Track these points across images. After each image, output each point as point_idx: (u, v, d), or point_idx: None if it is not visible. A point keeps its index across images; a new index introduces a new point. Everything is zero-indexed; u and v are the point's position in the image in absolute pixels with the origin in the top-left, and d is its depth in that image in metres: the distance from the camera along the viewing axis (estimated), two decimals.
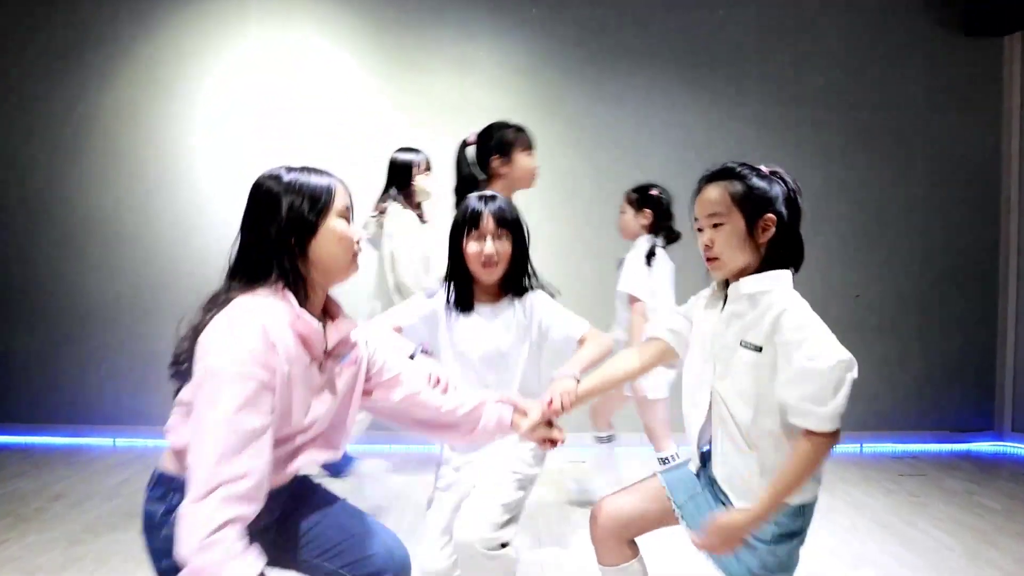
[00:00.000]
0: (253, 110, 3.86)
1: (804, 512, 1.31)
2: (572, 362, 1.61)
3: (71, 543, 2.35)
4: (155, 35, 3.85)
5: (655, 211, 2.66)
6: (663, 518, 1.44)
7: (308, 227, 1.16)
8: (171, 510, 1.09)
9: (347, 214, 1.22)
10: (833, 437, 1.20)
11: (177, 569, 0.95)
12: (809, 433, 1.21)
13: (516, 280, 1.72)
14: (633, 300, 2.57)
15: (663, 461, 2.57)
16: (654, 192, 2.67)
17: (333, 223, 1.18)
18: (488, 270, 1.66)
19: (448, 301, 1.73)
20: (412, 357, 1.58)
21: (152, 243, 3.85)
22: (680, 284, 2.64)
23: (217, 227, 3.77)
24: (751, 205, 1.30)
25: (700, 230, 1.36)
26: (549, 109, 3.88)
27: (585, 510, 2.36)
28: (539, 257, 1.82)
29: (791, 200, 1.33)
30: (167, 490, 1.14)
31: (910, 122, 4.00)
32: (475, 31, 3.89)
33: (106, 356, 3.85)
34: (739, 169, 1.33)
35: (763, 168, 1.34)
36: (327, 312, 1.26)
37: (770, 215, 1.30)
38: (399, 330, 1.71)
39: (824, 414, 1.18)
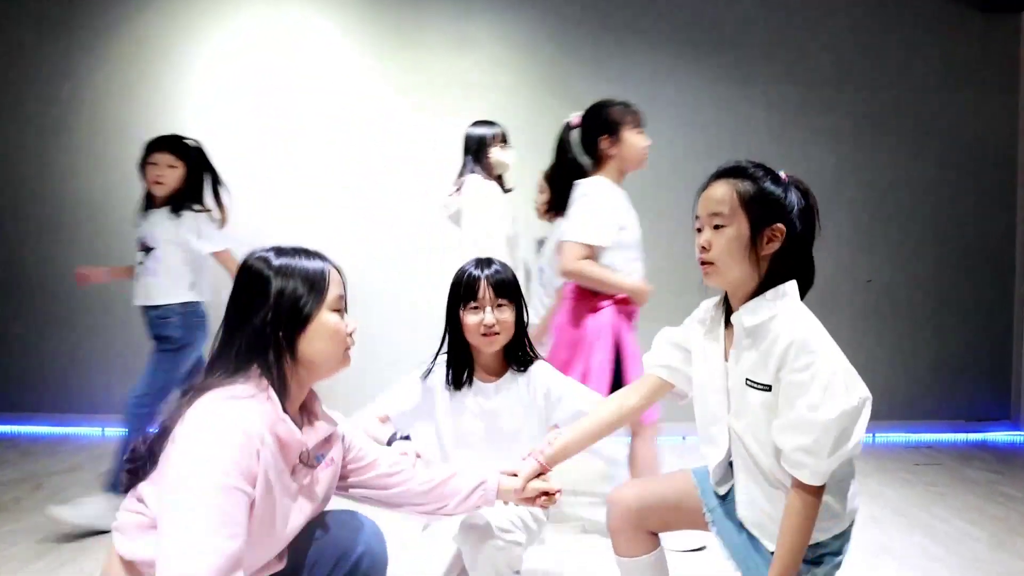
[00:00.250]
0: (247, 90, 3.76)
1: (840, 536, 1.21)
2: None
3: (46, 535, 2.23)
4: (145, 11, 3.74)
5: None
6: (690, 518, 1.32)
7: (298, 321, 1.05)
8: None
9: (340, 305, 1.12)
10: (821, 491, 1.11)
11: None
12: (799, 485, 1.10)
13: (518, 350, 1.60)
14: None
15: None
16: None
17: (325, 317, 1.08)
18: (489, 340, 1.53)
19: (447, 379, 1.59)
20: (389, 443, 1.46)
21: None
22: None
23: None
24: (760, 210, 1.14)
25: (699, 230, 1.20)
26: (551, 88, 3.73)
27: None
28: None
29: (806, 213, 1.18)
30: None
31: (924, 102, 3.88)
32: (474, 9, 3.78)
33: (95, 343, 3.74)
34: (752, 169, 1.18)
35: (781, 173, 1.19)
36: (306, 408, 1.15)
37: (779, 225, 1.15)
38: (385, 420, 1.57)
39: (819, 468, 1.08)
